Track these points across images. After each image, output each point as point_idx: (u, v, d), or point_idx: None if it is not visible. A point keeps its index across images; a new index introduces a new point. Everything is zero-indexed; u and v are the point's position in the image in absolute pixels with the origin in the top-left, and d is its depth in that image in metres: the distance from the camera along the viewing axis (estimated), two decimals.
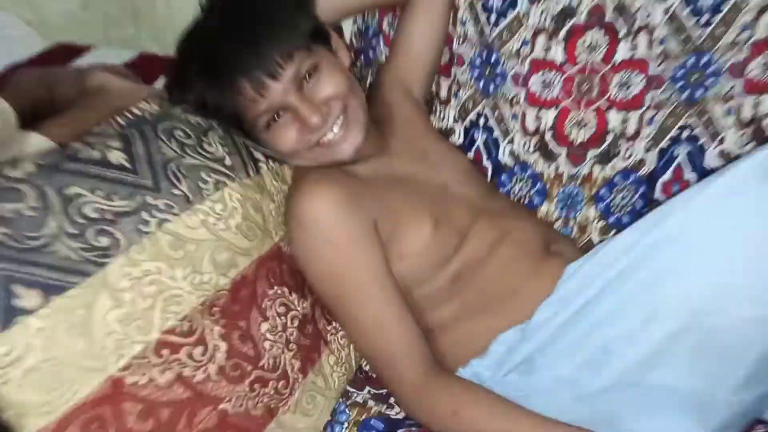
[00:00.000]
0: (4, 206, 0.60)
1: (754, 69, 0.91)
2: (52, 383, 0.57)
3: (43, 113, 0.81)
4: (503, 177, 1.07)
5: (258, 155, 0.84)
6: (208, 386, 0.67)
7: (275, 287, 0.77)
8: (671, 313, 0.67)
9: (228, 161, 0.78)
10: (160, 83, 1.14)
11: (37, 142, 0.74)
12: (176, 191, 0.70)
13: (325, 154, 0.84)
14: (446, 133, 1.10)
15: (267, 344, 0.74)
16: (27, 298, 0.57)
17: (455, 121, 1.10)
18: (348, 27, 1.14)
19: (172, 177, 0.71)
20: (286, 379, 0.75)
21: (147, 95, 0.84)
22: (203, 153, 0.76)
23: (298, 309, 0.80)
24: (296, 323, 0.79)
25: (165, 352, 0.64)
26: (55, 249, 0.60)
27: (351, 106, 0.84)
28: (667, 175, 0.98)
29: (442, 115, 1.10)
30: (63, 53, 1.59)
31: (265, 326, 0.74)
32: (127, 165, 0.69)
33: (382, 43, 1.11)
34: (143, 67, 1.43)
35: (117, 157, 0.69)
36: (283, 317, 0.77)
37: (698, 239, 0.66)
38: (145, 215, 0.67)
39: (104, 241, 0.63)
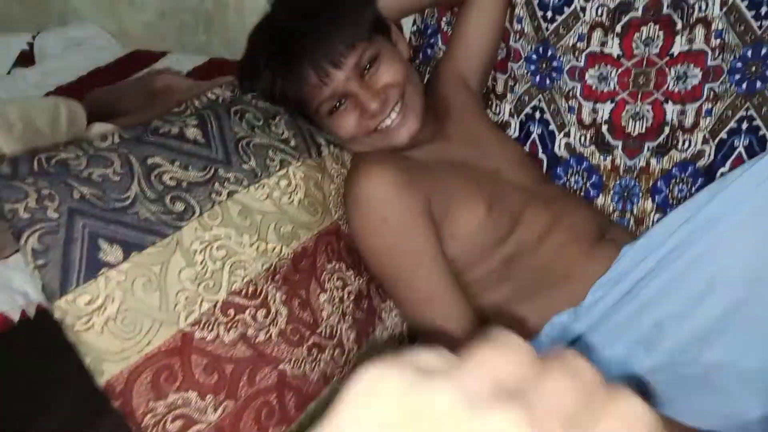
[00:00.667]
0: (94, 171, 0.66)
1: None
2: (128, 332, 0.62)
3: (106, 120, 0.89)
4: (559, 170, 1.08)
5: (320, 139, 0.88)
6: (269, 347, 0.71)
7: (333, 262, 0.81)
8: (726, 286, 0.67)
9: (293, 142, 0.83)
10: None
11: (103, 129, 0.82)
12: (246, 166, 0.75)
13: (382, 140, 0.88)
14: (502, 127, 1.12)
15: (324, 313, 0.77)
16: (110, 252, 0.63)
17: (511, 115, 1.12)
18: (408, 26, 1.18)
19: (242, 153, 0.76)
20: (341, 348, 0.78)
21: (221, 83, 0.90)
22: (271, 134, 0.81)
23: (354, 284, 0.83)
24: (352, 297, 0.82)
25: (231, 311, 0.69)
26: (136, 210, 0.66)
27: (408, 94, 0.88)
28: (727, 167, 0.97)
29: (498, 109, 1.13)
30: (139, 59, 1.69)
31: (323, 297, 0.78)
32: (202, 140, 0.75)
33: (440, 41, 1.15)
34: (212, 71, 1.51)
35: (193, 132, 0.75)
36: (339, 290, 0.81)
37: (751, 210, 0.66)
38: (217, 186, 0.72)
39: (180, 206, 0.69)
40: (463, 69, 1.06)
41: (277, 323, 0.72)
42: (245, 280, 0.71)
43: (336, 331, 0.78)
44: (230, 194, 0.73)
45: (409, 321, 0.90)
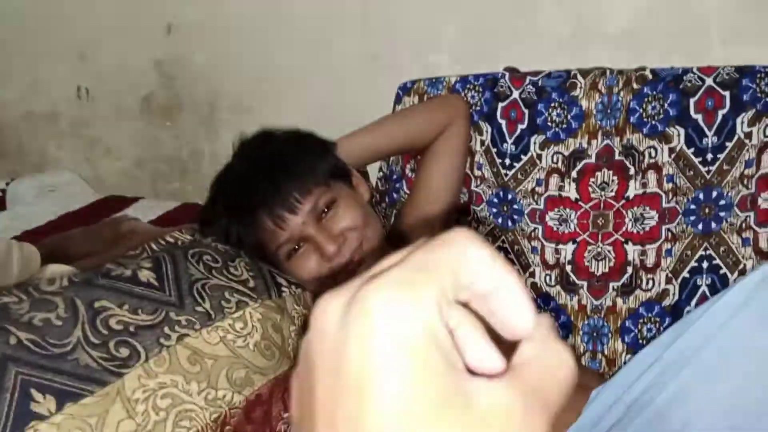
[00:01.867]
0: (35, 315, 0.63)
1: (763, 201, 0.94)
2: None
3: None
4: None
5: (281, 280, 0.87)
6: None
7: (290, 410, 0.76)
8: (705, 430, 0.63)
9: (251, 283, 0.81)
10: None
11: (59, 270, 0.80)
12: (199, 308, 0.73)
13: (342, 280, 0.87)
14: None
15: None
16: (43, 403, 0.58)
17: None
18: (374, 172, 1.22)
19: (196, 295, 0.74)
20: None
21: (182, 227, 0.90)
22: (228, 275, 0.80)
23: None
24: None
25: None
26: (76, 357, 0.62)
27: (367, 239, 0.89)
28: (692, 306, 0.97)
29: None
30: (112, 205, 1.71)
31: None
32: (155, 283, 0.73)
33: (405, 186, 1.18)
34: (184, 215, 1.53)
35: (146, 275, 0.73)
36: None
37: (716, 353, 0.64)
38: (167, 329, 0.69)
39: (124, 351, 0.65)
40: (426, 213, 1.08)
41: None
42: None
43: None
44: (180, 338, 0.69)
45: None
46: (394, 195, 1.20)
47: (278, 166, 0.90)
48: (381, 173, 1.22)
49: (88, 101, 1.79)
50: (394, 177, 1.19)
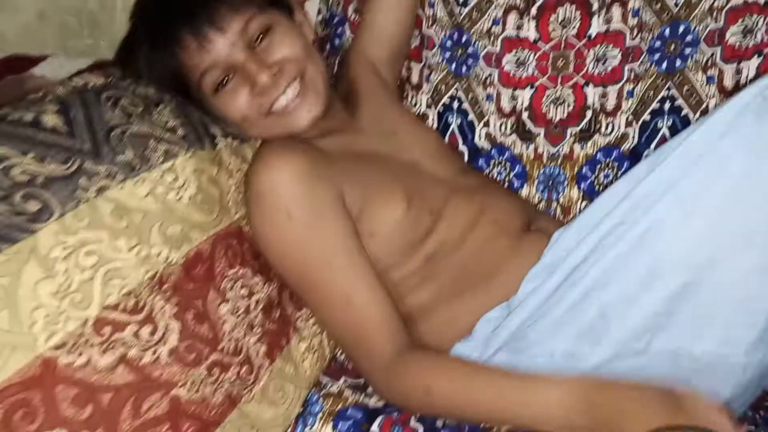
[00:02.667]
0: None
1: (731, 36, 0.88)
2: None
3: None
4: (481, 161, 1.02)
5: (214, 130, 0.77)
6: (158, 369, 0.58)
7: (236, 267, 0.70)
8: (672, 270, 0.61)
9: (180, 132, 0.71)
10: None
11: None
12: (120, 158, 0.63)
13: (279, 124, 0.78)
14: (420, 119, 1.05)
15: (227, 326, 0.66)
16: None
17: (428, 106, 1.05)
18: (312, 16, 1.10)
19: (115, 143, 0.64)
20: (249, 365, 0.67)
21: (93, 70, 0.78)
22: (153, 122, 0.70)
23: (263, 292, 0.72)
24: (260, 306, 0.71)
25: (106, 330, 0.56)
26: None
27: (308, 73, 0.79)
28: (652, 150, 0.94)
29: (414, 101, 1.05)
30: (16, 64, 1.52)
31: (224, 307, 0.67)
32: (63, 128, 0.62)
33: (348, 30, 1.07)
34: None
35: (52, 120, 0.62)
36: (245, 299, 0.69)
37: (694, 186, 0.60)
38: (83, 181, 0.60)
39: (34, 205, 0.56)
40: (374, 58, 0.98)
41: (166, 341, 0.60)
42: (123, 292, 0.58)
43: (242, 346, 0.66)
44: (100, 191, 0.60)
45: (324, 327, 0.79)
46: (336, 41, 1.08)
47: None
48: (320, 16, 1.10)
49: None
50: (336, 20, 1.08)
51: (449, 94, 1.03)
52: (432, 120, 1.05)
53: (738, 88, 0.89)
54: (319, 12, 1.10)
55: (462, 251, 0.78)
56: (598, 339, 0.64)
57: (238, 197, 0.75)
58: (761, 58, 0.87)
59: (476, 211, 0.80)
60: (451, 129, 1.04)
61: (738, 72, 0.89)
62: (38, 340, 0.52)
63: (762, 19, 0.86)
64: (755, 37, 0.87)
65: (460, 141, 1.03)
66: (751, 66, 0.88)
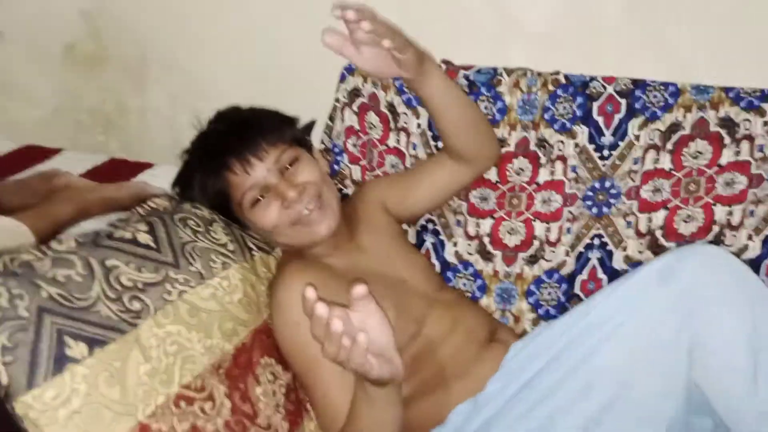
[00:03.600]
0: (58, 272, 0.71)
1: (644, 192, 1.16)
2: (91, 425, 0.66)
3: None
4: (449, 273, 1.25)
5: (251, 244, 0.98)
6: None
7: (266, 357, 0.89)
8: (602, 386, 0.84)
9: (231, 247, 0.92)
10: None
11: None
12: (192, 268, 0.83)
13: (302, 232, 1.00)
14: (412, 246, 1.27)
15: (261, 405, 0.84)
16: (76, 348, 0.67)
17: (408, 225, 1.28)
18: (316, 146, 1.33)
19: (188, 256, 0.84)
20: None
21: (157, 193, 0.98)
22: (211, 239, 0.90)
23: (283, 378, 0.91)
24: (283, 390, 0.90)
25: (182, 403, 0.74)
26: (98, 309, 0.71)
27: (325, 193, 1.02)
28: (584, 275, 1.19)
29: None
30: (31, 155, 1.67)
31: (259, 390, 0.85)
32: (153, 245, 0.82)
33: (346, 159, 1.30)
34: (112, 171, 1.54)
35: (144, 238, 0.82)
36: (272, 384, 0.88)
37: (617, 327, 0.85)
38: (168, 286, 0.79)
39: (136, 305, 0.74)
40: (389, 204, 1.18)
41: (222, 414, 0.78)
42: (194, 375, 0.76)
43: (271, 422, 0.85)
44: (180, 294, 0.80)
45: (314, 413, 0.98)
46: (335, 167, 1.32)
47: (249, 124, 1.01)
48: (323, 146, 1.34)
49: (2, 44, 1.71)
50: (336, 150, 1.31)
51: (426, 217, 1.27)
52: (411, 237, 1.28)
53: (649, 232, 1.16)
54: (321, 142, 1.34)
55: (440, 353, 0.99)
56: None
57: (266, 299, 0.95)
58: (667, 210, 1.14)
59: (452, 320, 1.02)
60: (425, 245, 1.27)
61: (650, 220, 1.16)
62: (138, 410, 0.70)
63: (666, 182, 1.14)
64: (662, 194, 1.15)
65: (434, 255, 1.26)
66: (659, 216, 1.15)
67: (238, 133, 0.99)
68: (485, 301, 1.23)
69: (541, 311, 1.21)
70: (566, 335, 0.88)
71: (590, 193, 1.18)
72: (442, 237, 1.26)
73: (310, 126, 1.29)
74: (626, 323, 0.84)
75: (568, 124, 1.18)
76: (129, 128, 1.70)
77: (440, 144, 1.23)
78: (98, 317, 0.70)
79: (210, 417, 0.76)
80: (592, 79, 1.18)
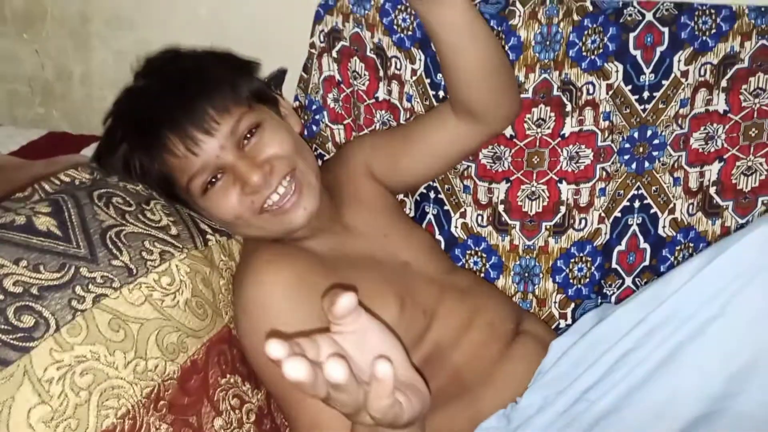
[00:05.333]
0: None
1: (695, 141, 0.94)
2: None
3: None
4: (457, 251, 1.03)
5: (204, 226, 0.75)
6: None
7: (227, 375, 0.67)
8: (690, 402, 0.62)
9: (173, 230, 0.69)
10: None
11: None
12: (116, 262, 0.60)
13: (274, 221, 0.76)
14: (412, 220, 1.05)
15: None
16: None
17: (405, 195, 1.06)
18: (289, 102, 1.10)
19: (111, 246, 0.61)
20: None
21: (72, 162, 0.75)
22: (146, 221, 0.67)
23: (253, 401, 0.69)
24: (252, 418, 0.68)
25: None
26: None
27: (300, 169, 0.78)
28: (622, 245, 0.98)
29: None
30: None
31: (218, 422, 0.63)
32: (57, 232, 0.59)
33: (326, 117, 1.07)
34: (51, 146, 1.32)
35: (45, 222, 0.58)
36: (237, 411, 0.66)
37: (706, 323, 0.62)
38: (79, 289, 0.56)
39: (28, 320, 0.52)
40: (379, 172, 0.94)
41: None
42: (120, 413, 0.54)
43: None
44: (96, 299, 0.57)
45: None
46: (314, 128, 1.09)
47: (191, 80, 0.76)
48: (297, 102, 1.10)
49: None
50: (314, 107, 1.08)
51: (426, 184, 1.04)
52: (409, 209, 1.06)
53: (701, 189, 0.95)
54: (296, 98, 1.11)
55: (457, 354, 0.77)
56: None
57: (228, 297, 0.73)
58: (722, 162, 0.93)
59: (469, 311, 0.80)
60: (428, 218, 1.04)
61: (701, 175, 0.95)
62: None
63: (721, 128, 0.93)
64: (716, 143, 0.93)
65: (437, 230, 1.04)
66: (713, 169, 0.94)
67: (177, 97, 0.74)
68: (501, 282, 1.02)
69: (570, 292, 1.00)
70: (632, 334, 0.65)
71: (628, 145, 0.97)
72: (447, 207, 1.04)
73: (278, 76, 1.05)
74: (720, 318, 0.62)
75: (598, 62, 0.95)
76: (72, 97, 1.46)
77: (440, 93, 1.00)
78: None
79: None
80: (627, 4, 0.95)
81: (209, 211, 0.76)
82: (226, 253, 0.76)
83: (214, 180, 0.74)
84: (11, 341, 0.50)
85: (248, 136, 0.76)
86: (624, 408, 0.63)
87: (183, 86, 0.75)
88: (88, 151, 1.26)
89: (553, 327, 1.00)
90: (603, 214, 0.98)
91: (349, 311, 0.47)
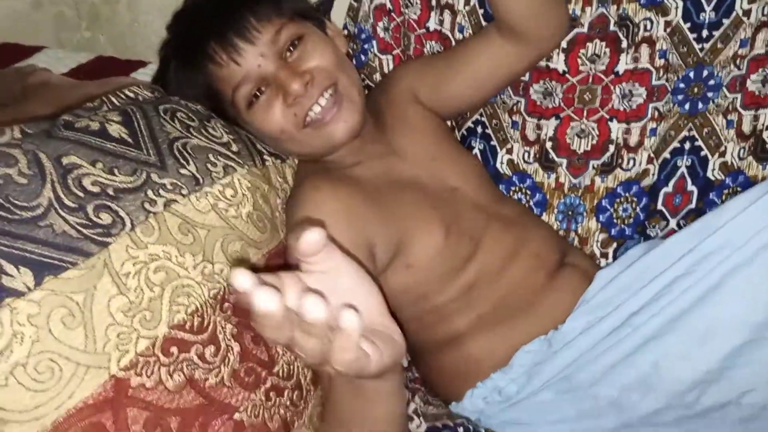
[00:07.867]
0: None
1: (752, 84, 0.92)
2: (44, 382, 0.47)
3: None
4: (501, 187, 1.03)
5: (261, 148, 0.76)
6: (222, 392, 0.57)
7: None
8: (732, 329, 0.62)
9: (234, 147, 0.70)
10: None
11: None
12: (184, 171, 0.62)
13: (317, 136, 0.77)
14: (461, 145, 1.05)
15: (279, 349, 0.65)
16: (17, 277, 0.47)
17: (452, 129, 1.06)
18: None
19: (178, 155, 0.63)
20: (300, 390, 0.66)
21: (126, 83, 0.76)
22: (209, 136, 0.68)
23: None
24: None
25: (174, 349, 0.55)
26: (50, 222, 0.51)
27: (342, 83, 0.78)
28: (669, 187, 0.98)
29: None
30: (9, 53, 1.46)
31: None
32: (129, 139, 0.60)
33: (375, 47, 1.07)
34: (99, 70, 1.33)
35: (117, 130, 0.60)
36: None
37: (755, 253, 0.62)
38: (150, 193, 0.58)
39: (106, 218, 0.54)
40: (424, 96, 0.93)
41: (228, 363, 0.59)
42: (190, 311, 0.57)
43: (293, 370, 0.66)
44: (167, 204, 0.59)
45: None
46: (363, 57, 1.08)
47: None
48: (347, 31, 1.10)
49: None
50: (363, 36, 1.07)
51: (473, 118, 1.04)
52: None
53: (755, 133, 0.93)
54: (344, 27, 1.10)
55: (501, 282, 0.79)
56: (650, 390, 0.66)
57: (283, 217, 0.75)
58: None
59: (516, 241, 0.81)
60: (473, 153, 1.05)
61: (756, 119, 0.93)
62: (111, 361, 0.51)
63: None
64: None
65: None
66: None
67: (221, 9, 0.75)
68: (544, 218, 1.02)
69: (614, 231, 1.00)
70: (683, 261, 0.66)
71: (682, 85, 0.95)
72: (494, 142, 1.03)
73: (327, 2, 1.05)
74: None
75: None
76: (119, 21, 1.47)
77: None
78: (50, 233, 0.50)
79: (212, 366, 0.57)
80: None
81: (255, 125, 0.78)
82: (281, 175, 0.78)
83: (258, 93, 0.76)
84: (92, 235, 0.52)
85: (291, 48, 0.76)
86: (667, 333, 0.65)
87: (228, 1, 0.76)
88: (137, 76, 1.29)
89: None
90: (652, 155, 0.97)
91: (317, 248, 0.42)
